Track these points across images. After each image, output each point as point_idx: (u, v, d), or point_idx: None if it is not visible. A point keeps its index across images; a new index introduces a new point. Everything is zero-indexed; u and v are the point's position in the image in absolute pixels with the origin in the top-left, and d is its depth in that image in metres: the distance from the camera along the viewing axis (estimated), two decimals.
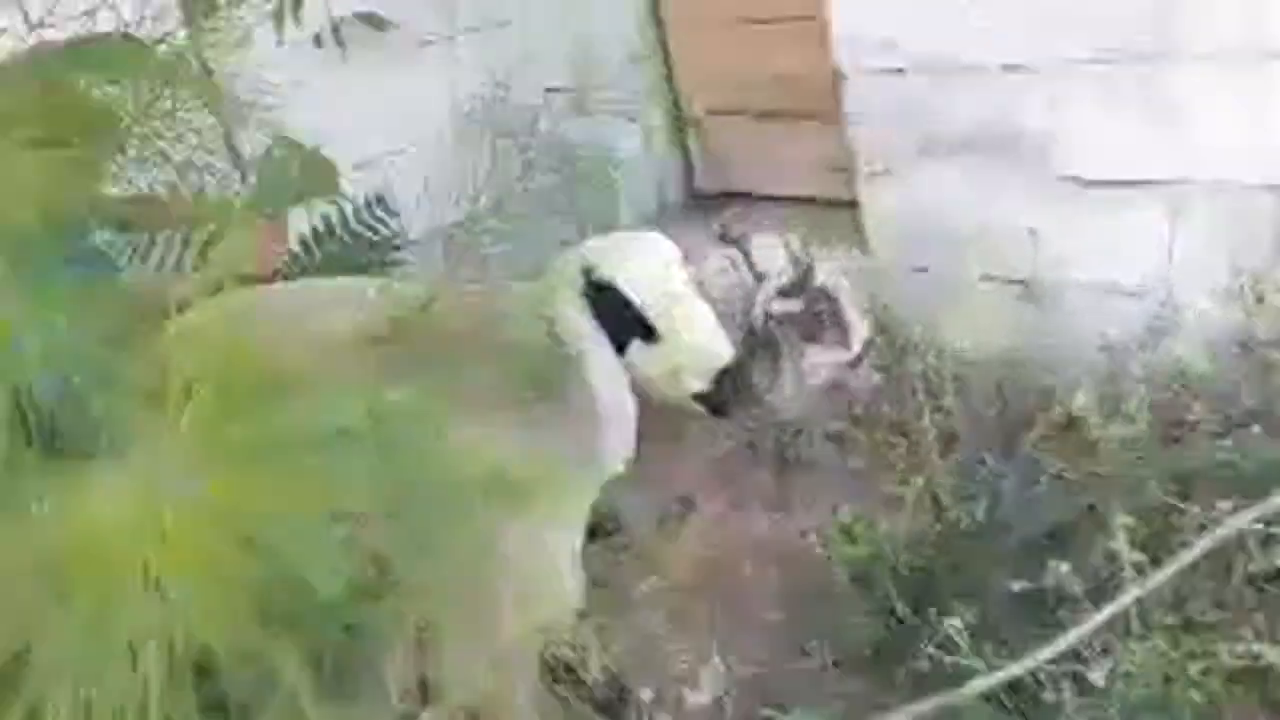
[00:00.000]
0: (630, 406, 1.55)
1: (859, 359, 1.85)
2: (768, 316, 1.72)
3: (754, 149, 3.26)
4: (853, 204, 2.78)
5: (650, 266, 1.56)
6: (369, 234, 2.52)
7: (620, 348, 1.55)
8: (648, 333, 1.56)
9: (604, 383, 1.52)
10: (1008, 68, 2.31)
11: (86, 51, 1.55)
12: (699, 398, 1.63)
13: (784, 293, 1.74)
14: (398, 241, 2.62)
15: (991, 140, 2.41)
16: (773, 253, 1.76)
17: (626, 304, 1.53)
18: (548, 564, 1.49)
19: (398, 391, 1.27)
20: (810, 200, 3.16)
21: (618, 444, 1.55)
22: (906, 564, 2.22)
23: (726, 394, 1.64)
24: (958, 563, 2.16)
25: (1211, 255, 2.18)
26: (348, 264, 2.50)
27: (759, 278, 1.73)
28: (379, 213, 2.49)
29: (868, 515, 2.45)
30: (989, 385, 2.54)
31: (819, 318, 1.78)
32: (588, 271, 1.52)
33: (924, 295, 2.69)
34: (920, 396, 2.63)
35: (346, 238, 2.55)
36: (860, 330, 1.83)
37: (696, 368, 1.59)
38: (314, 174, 2.11)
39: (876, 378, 1.94)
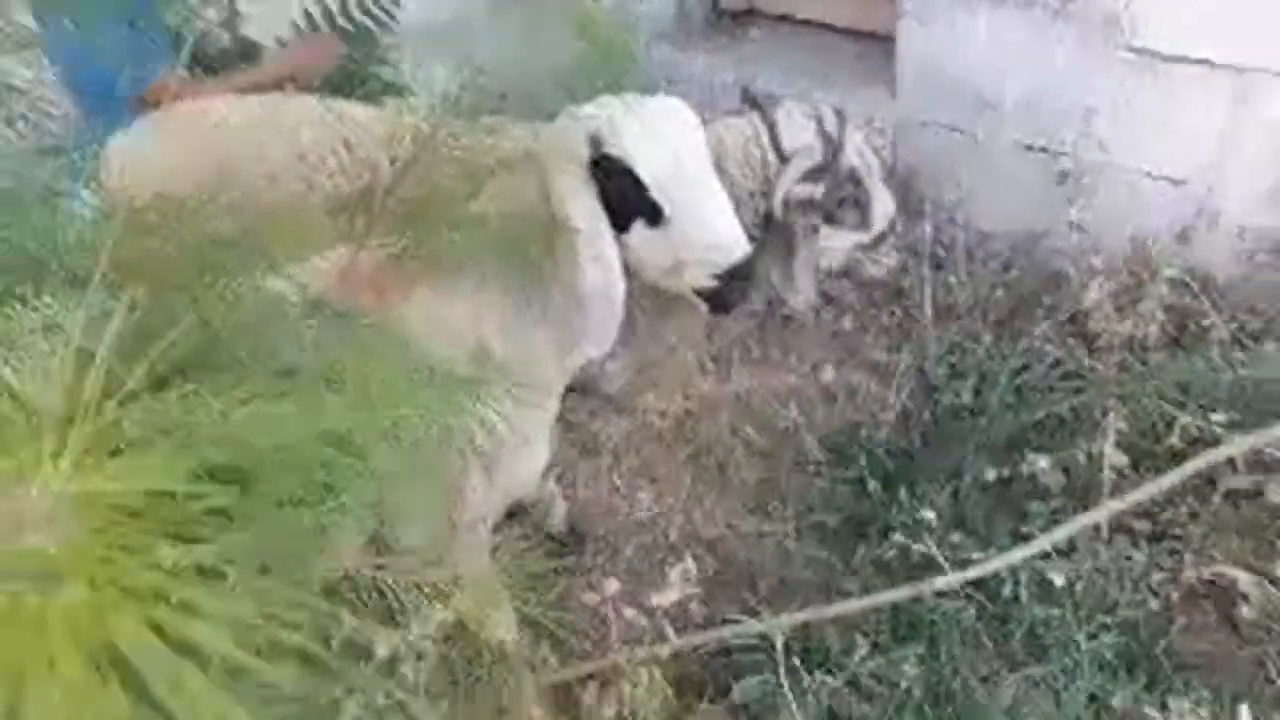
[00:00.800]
0: (618, 298, 1.38)
1: (880, 239, 1.71)
2: (788, 204, 1.54)
3: None
4: (888, 40, 2.55)
5: (666, 142, 1.34)
6: (364, 21, 2.28)
7: (621, 227, 1.38)
8: (655, 216, 1.36)
9: (594, 268, 1.34)
10: None
11: None
12: (700, 292, 1.44)
13: (808, 177, 1.55)
14: (392, 29, 2.40)
15: None
16: (801, 124, 1.56)
17: (635, 182, 1.33)
18: (517, 437, 1.40)
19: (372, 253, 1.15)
20: (845, 30, 2.90)
21: (598, 333, 1.40)
22: (884, 438, 2.18)
23: (732, 293, 1.44)
24: (936, 442, 2.12)
25: (1265, 155, 2.01)
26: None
27: (783, 158, 1.53)
28: (368, 4, 2.25)
29: (851, 381, 2.40)
30: (999, 262, 2.42)
31: (841, 201, 1.62)
32: (595, 142, 1.33)
33: (951, 156, 2.52)
34: (925, 265, 2.52)
35: (343, 23, 2.33)
36: (885, 209, 1.67)
37: (704, 262, 1.39)
38: None
39: (895, 259, 1.79)
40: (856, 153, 1.61)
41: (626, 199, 1.34)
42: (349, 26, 2.32)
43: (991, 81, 2.35)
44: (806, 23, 2.94)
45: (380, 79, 2.41)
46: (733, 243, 1.38)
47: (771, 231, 1.59)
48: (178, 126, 1.44)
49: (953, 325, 2.36)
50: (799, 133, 1.56)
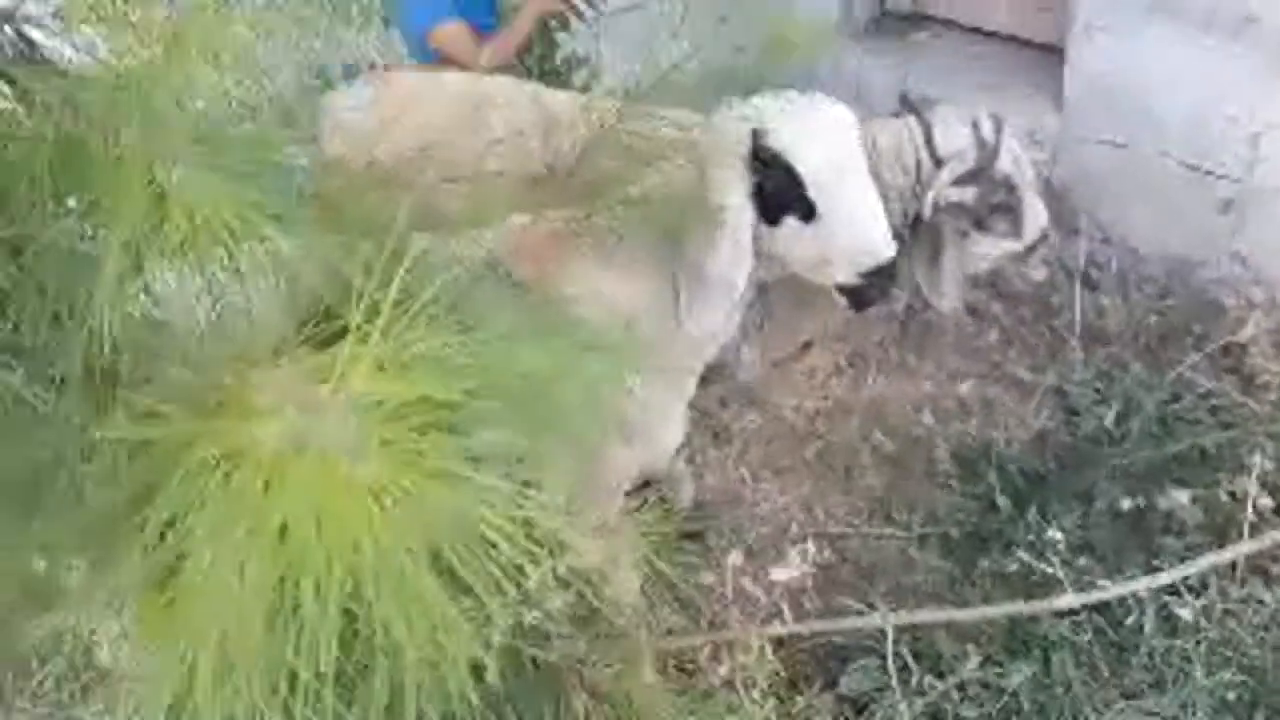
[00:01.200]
0: (739, 284, 1.46)
1: (1031, 249, 1.72)
2: (938, 207, 1.57)
3: None
4: (1058, 52, 2.52)
5: (824, 141, 1.41)
6: None
7: (773, 220, 1.45)
8: (808, 212, 1.43)
9: (728, 249, 1.42)
10: None
11: None
12: (843, 288, 1.52)
13: (960, 181, 1.58)
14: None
15: (1235, 16, 2.10)
16: (957, 129, 1.58)
17: (792, 178, 1.40)
18: (656, 411, 1.49)
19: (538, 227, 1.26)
20: (1011, 39, 2.87)
21: (708, 313, 1.48)
22: (1018, 456, 2.17)
23: (872, 291, 1.51)
24: (1072, 465, 2.10)
25: None
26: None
27: (938, 161, 1.57)
28: None
29: (989, 395, 2.39)
30: (1154, 287, 2.36)
31: (993, 207, 1.63)
32: (757, 136, 1.40)
33: (1114, 174, 2.47)
34: (1077, 284, 2.49)
35: None
36: (1038, 220, 1.68)
37: (851, 261, 1.46)
38: None
39: (1044, 273, 1.80)
40: (1012, 160, 1.62)
41: (782, 194, 1.42)
42: None
43: (1160, 99, 2.29)
44: (974, 30, 2.92)
45: (577, 54, 2.53)
46: (881, 244, 1.44)
47: (920, 233, 1.63)
48: (390, 97, 1.59)
49: (1101, 348, 2.33)
50: (954, 137, 1.60)
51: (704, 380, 1.75)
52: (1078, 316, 2.29)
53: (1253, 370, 2.04)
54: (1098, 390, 2.21)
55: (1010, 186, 1.62)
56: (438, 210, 1.12)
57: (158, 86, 0.65)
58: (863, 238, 1.44)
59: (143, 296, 0.70)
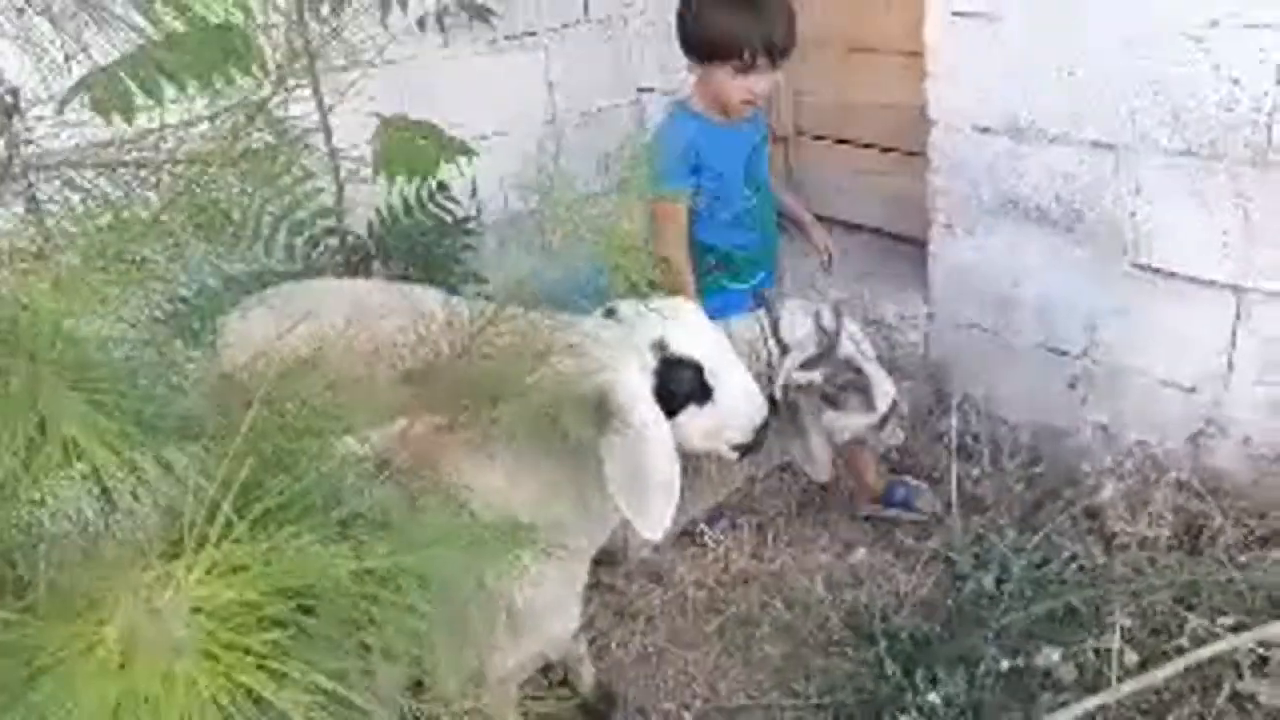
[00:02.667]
0: (676, 486, 1.59)
1: (885, 419, 1.91)
2: (787, 388, 1.78)
3: (835, 173, 3.27)
4: (923, 245, 2.79)
5: (707, 331, 1.66)
6: (442, 217, 2.61)
7: (674, 413, 1.63)
8: (705, 396, 1.65)
9: (661, 458, 1.56)
10: (1097, 145, 2.28)
11: None
12: (735, 447, 1.73)
13: (806, 365, 1.80)
14: (470, 226, 2.72)
15: (1068, 214, 2.39)
16: (801, 319, 1.82)
17: (696, 372, 1.62)
18: (548, 599, 1.58)
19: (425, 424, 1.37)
20: (881, 233, 3.17)
21: (657, 520, 1.58)
22: (906, 622, 2.27)
23: (758, 442, 1.74)
24: (957, 629, 2.20)
25: (1269, 366, 2.14)
26: (424, 249, 2.60)
27: (784, 349, 1.78)
28: (441, 199, 2.59)
29: (880, 563, 2.50)
30: (1023, 456, 2.54)
31: (842, 386, 1.84)
32: (660, 346, 1.60)
33: (981, 354, 2.71)
34: (954, 458, 2.67)
35: (425, 220, 2.66)
36: (886, 392, 1.88)
37: (742, 425, 1.69)
38: (434, 143, 2.24)
39: (901, 436, 2.00)
40: (852, 342, 1.83)
41: (685, 388, 1.63)
42: (426, 220, 2.62)
43: (1012, 288, 2.55)
44: (849, 225, 3.22)
45: (465, 265, 2.73)
46: (763, 404, 1.70)
47: (779, 412, 1.81)
48: (286, 308, 1.72)
49: (978, 515, 2.48)
50: (798, 327, 1.81)
51: (596, 563, 1.84)
52: (954, 486, 2.44)
53: (1112, 532, 2.20)
54: (976, 555, 2.34)
55: (854, 367, 1.81)
56: (328, 413, 1.22)
57: (41, 318, 0.76)
58: (748, 401, 1.68)
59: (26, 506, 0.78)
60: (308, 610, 0.88)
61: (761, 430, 1.74)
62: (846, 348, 1.82)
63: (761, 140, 2.42)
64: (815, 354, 1.77)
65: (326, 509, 1.00)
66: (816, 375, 1.78)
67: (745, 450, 1.76)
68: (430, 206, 2.57)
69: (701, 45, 2.22)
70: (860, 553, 2.54)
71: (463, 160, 2.31)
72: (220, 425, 1.02)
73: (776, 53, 2.15)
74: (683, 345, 1.63)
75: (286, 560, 0.64)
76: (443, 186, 2.59)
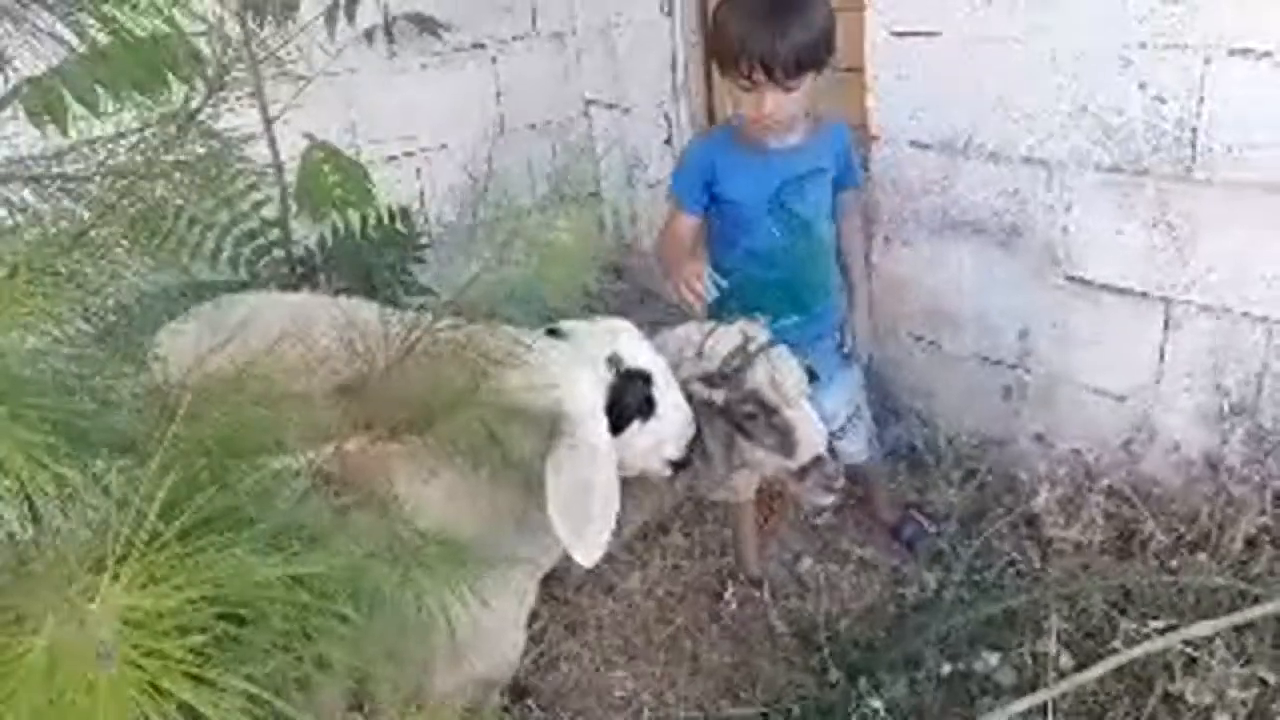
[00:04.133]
0: (616, 505, 1.59)
1: (804, 472, 1.80)
2: (690, 396, 1.76)
3: None
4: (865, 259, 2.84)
5: (649, 350, 1.68)
6: (393, 235, 2.60)
7: (618, 429, 1.64)
8: (649, 412, 1.67)
9: (608, 487, 1.57)
10: (1028, 160, 2.34)
11: None
12: (670, 462, 1.75)
13: (709, 381, 1.78)
14: (419, 242, 2.72)
15: (1003, 228, 2.45)
16: (729, 338, 1.79)
17: (647, 385, 1.65)
18: (491, 622, 1.57)
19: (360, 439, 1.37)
20: None
21: (594, 543, 1.57)
22: (850, 628, 2.30)
23: (691, 455, 1.76)
24: (899, 634, 2.24)
25: (1198, 376, 2.21)
26: (372, 263, 2.59)
27: (700, 355, 1.78)
28: (400, 225, 2.58)
29: (826, 571, 2.54)
30: (964, 464, 2.60)
31: (751, 418, 1.78)
32: (615, 361, 1.62)
33: (924, 364, 2.77)
34: (899, 466, 2.73)
35: (374, 233, 2.65)
36: (811, 444, 1.78)
37: (678, 439, 1.71)
38: (349, 183, 2.22)
39: (829, 502, 1.86)
40: (768, 380, 1.76)
41: (636, 404, 1.66)
42: (375, 233, 2.62)
43: (951, 300, 2.61)
44: None
45: (411, 277, 2.72)
46: (691, 418, 1.72)
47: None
48: (224, 320, 1.71)
49: (922, 523, 2.54)
50: (723, 344, 1.79)
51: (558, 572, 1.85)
52: (896, 496, 2.48)
53: (1049, 537, 2.25)
54: (919, 563, 2.39)
55: (764, 404, 1.77)
56: (261, 428, 1.22)
57: None
58: (684, 418, 1.71)
59: None
60: (240, 621, 0.88)
61: (692, 446, 1.76)
62: (757, 379, 1.76)
63: (812, 173, 2.18)
64: (716, 371, 1.76)
65: (257, 522, 1.00)
66: (719, 395, 1.77)
67: (678, 466, 1.78)
68: (386, 226, 2.57)
69: (717, 53, 2.05)
70: (807, 561, 2.57)
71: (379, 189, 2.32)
72: (150, 439, 1.02)
73: (779, 70, 1.95)
74: (637, 360, 1.65)
75: (215, 569, 0.65)
76: (404, 212, 2.59)
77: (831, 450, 1.84)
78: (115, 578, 0.59)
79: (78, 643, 0.55)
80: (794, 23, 1.95)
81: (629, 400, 1.64)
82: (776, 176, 2.16)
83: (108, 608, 0.57)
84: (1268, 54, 1.92)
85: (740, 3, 2.01)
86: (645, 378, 1.65)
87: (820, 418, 2.08)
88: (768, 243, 2.19)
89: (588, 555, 1.57)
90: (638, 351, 1.66)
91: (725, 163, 2.15)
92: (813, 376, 1.94)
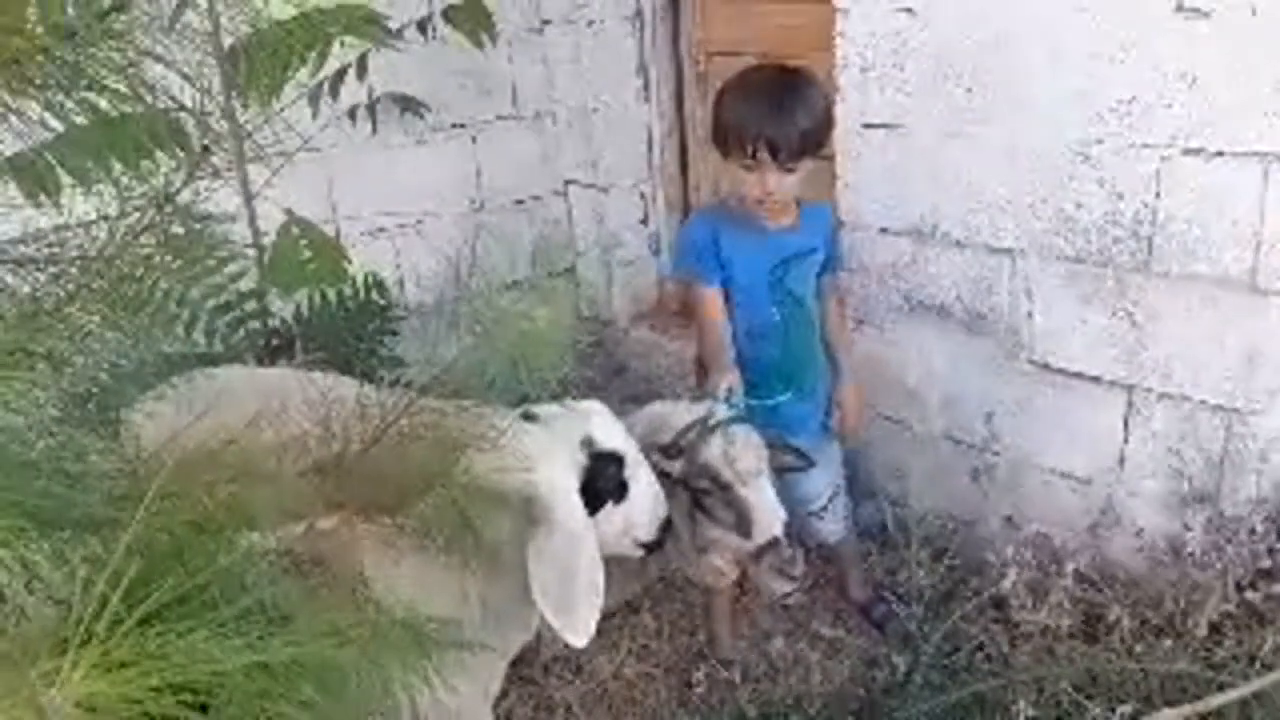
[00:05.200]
0: (601, 589, 1.60)
1: (760, 554, 1.80)
2: (654, 465, 1.77)
3: None
4: None
5: (621, 432, 1.69)
6: (368, 308, 2.63)
7: (595, 509, 1.65)
8: (622, 494, 1.68)
9: (585, 563, 1.57)
10: (992, 250, 2.41)
11: None
12: (642, 544, 1.75)
13: (667, 453, 1.80)
14: (395, 314, 2.74)
15: (969, 313, 2.51)
16: (690, 416, 1.82)
17: (620, 468, 1.66)
18: (456, 706, 1.55)
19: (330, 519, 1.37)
20: None
21: (585, 624, 1.58)
22: (820, 711, 2.28)
23: (663, 539, 1.76)
24: (869, 718, 2.22)
25: (1159, 461, 2.26)
26: (349, 332, 2.61)
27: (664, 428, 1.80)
28: (375, 296, 2.61)
29: (796, 652, 2.52)
30: (932, 545, 2.61)
31: (707, 493, 1.79)
32: (589, 444, 1.63)
33: (893, 444, 2.79)
34: (871, 546, 2.73)
35: (350, 306, 2.67)
36: (767, 526, 1.79)
37: (649, 522, 1.71)
38: (322, 258, 2.24)
39: (786, 591, 1.86)
40: (722, 455, 1.78)
41: (610, 484, 1.66)
42: (351, 306, 2.64)
43: (919, 381, 2.66)
44: None
45: (388, 350, 2.74)
46: (663, 499, 1.73)
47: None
48: (188, 396, 1.71)
49: (893, 604, 2.53)
50: (684, 422, 1.81)
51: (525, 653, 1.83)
52: (866, 577, 2.49)
53: (1016, 621, 2.26)
54: (889, 644, 2.39)
55: (717, 480, 1.78)
56: (231, 507, 1.21)
57: None
58: (655, 501, 1.72)
59: None
60: (203, 708, 0.87)
61: (665, 527, 1.76)
62: (711, 454, 1.77)
63: (804, 252, 2.27)
64: (672, 443, 1.78)
65: (222, 603, 1.00)
66: (674, 468, 1.79)
67: (650, 548, 1.77)
68: (362, 297, 2.59)
69: (716, 134, 2.16)
70: (778, 642, 2.55)
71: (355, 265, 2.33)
72: (117, 519, 1.02)
73: (784, 152, 2.05)
74: (610, 441, 1.66)
75: (176, 655, 0.65)
76: (379, 283, 2.62)
77: (790, 535, 1.85)
78: (74, 664, 0.59)
79: None
80: (798, 108, 2.07)
81: (602, 483, 1.66)
82: (775, 255, 2.24)
83: (67, 693, 0.57)
84: (1219, 153, 2.00)
85: (747, 87, 2.12)
86: (618, 459, 1.66)
87: (804, 498, 2.10)
88: (766, 321, 2.26)
89: (577, 637, 1.59)
90: (610, 433, 1.68)
91: (728, 240, 2.21)
92: (806, 461, 1.97)
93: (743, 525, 1.78)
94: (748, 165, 2.09)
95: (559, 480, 1.58)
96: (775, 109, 2.06)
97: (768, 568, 1.78)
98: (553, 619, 1.56)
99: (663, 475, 1.78)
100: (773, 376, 2.27)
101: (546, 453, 1.59)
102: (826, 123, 2.15)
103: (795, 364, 2.32)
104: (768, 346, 2.27)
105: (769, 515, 1.77)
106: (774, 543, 1.78)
